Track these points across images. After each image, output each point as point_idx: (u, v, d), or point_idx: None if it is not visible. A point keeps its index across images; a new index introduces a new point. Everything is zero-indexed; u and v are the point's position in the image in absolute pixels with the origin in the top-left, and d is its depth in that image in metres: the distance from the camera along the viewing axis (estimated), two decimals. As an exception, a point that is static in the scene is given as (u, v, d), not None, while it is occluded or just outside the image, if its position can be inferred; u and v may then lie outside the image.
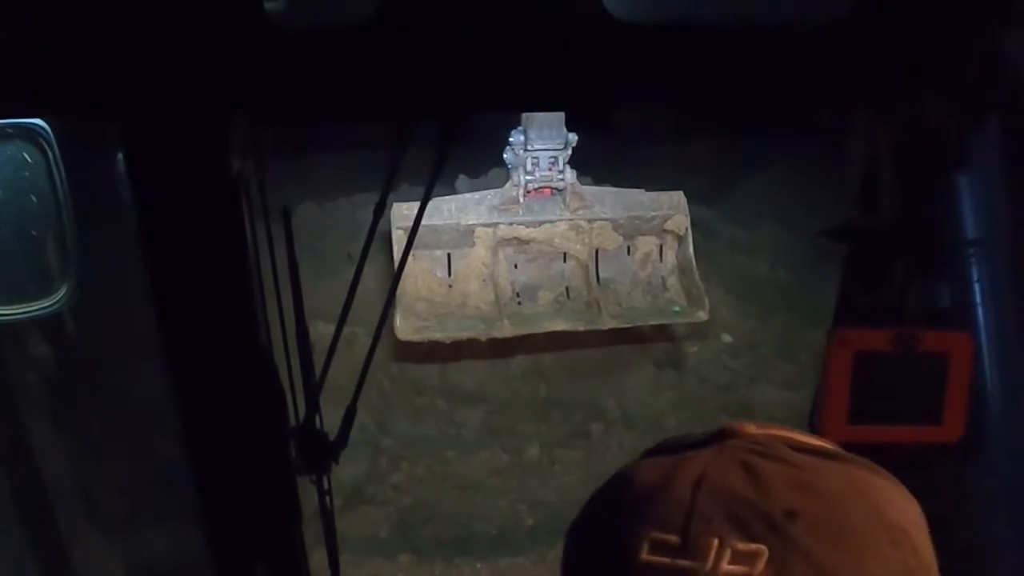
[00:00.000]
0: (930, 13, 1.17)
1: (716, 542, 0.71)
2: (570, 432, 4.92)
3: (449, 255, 5.41)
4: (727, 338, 5.47)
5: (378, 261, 4.99)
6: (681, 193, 5.51)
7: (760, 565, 0.70)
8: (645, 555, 0.73)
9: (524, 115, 4.98)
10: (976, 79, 1.25)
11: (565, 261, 5.54)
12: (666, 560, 0.72)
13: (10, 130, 1.50)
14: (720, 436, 0.80)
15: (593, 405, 5.08)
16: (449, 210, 5.28)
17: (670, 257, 5.59)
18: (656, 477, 0.77)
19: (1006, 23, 1.22)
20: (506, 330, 5.12)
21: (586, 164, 5.27)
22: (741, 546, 0.71)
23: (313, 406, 1.44)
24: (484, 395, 5.12)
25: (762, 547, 0.71)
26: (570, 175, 5.31)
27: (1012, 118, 1.37)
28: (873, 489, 0.76)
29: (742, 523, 0.72)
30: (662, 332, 5.49)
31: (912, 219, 1.45)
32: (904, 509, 0.77)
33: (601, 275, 5.53)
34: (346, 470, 4.47)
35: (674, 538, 0.72)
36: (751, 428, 0.80)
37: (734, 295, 5.70)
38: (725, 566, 0.70)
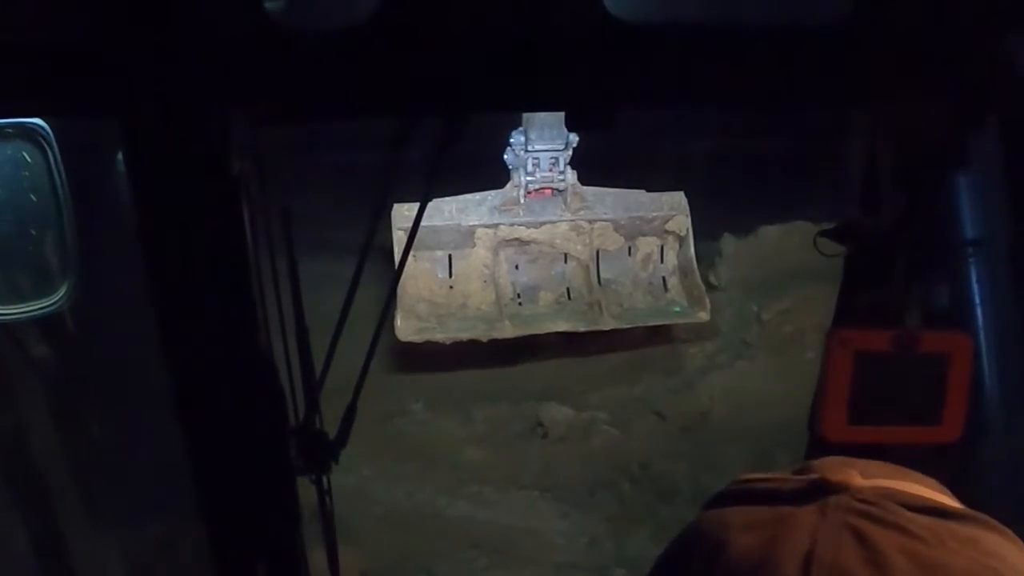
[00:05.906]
0: (930, 13, 1.17)
1: None
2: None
3: (450, 256, 5.43)
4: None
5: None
6: (682, 194, 5.52)
7: None
8: None
9: (524, 116, 4.99)
10: (976, 79, 1.25)
11: (566, 262, 5.55)
12: None
13: (10, 130, 1.51)
14: (819, 489, 0.68)
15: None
16: (450, 211, 5.30)
17: (671, 258, 5.60)
18: (754, 547, 0.65)
19: (1006, 23, 1.22)
20: (507, 331, 5.13)
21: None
22: None
23: (313, 406, 1.44)
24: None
25: None
26: (571, 176, 5.32)
27: (1012, 118, 1.37)
28: (1006, 565, 0.65)
29: None
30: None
31: (912, 219, 1.45)
32: None
33: (602, 276, 5.55)
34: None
35: None
36: (854, 477, 0.68)
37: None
38: None
